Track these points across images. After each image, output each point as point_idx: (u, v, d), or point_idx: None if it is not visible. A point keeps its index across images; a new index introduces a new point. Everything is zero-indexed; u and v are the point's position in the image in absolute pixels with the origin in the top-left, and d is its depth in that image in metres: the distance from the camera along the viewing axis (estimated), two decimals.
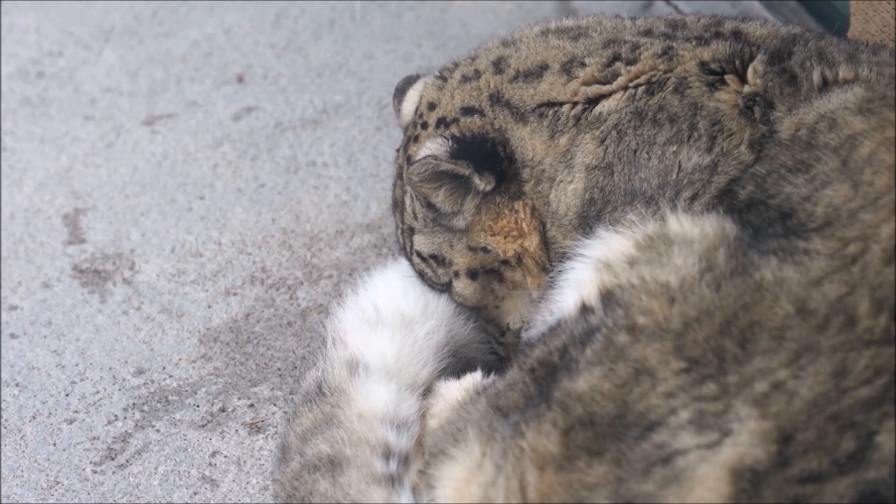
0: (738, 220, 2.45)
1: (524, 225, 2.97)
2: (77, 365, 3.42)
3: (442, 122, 3.03)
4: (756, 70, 2.73)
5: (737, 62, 2.77)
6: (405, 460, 2.75)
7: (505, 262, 3.04)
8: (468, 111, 2.99)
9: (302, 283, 3.63)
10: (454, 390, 2.89)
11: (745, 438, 2.11)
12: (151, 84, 4.54)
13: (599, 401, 2.28)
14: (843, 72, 2.67)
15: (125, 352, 3.45)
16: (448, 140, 2.93)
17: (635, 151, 2.79)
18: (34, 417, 3.26)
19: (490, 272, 3.06)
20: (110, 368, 3.40)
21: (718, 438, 2.13)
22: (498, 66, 3.02)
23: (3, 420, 3.26)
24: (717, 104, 2.73)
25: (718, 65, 2.77)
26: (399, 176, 3.19)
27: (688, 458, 2.14)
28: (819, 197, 2.41)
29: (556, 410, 2.30)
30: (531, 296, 3.08)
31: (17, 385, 3.36)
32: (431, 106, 3.09)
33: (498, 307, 3.14)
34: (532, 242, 2.97)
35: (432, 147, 2.93)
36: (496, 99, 2.98)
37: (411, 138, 3.12)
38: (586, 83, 2.89)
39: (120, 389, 3.33)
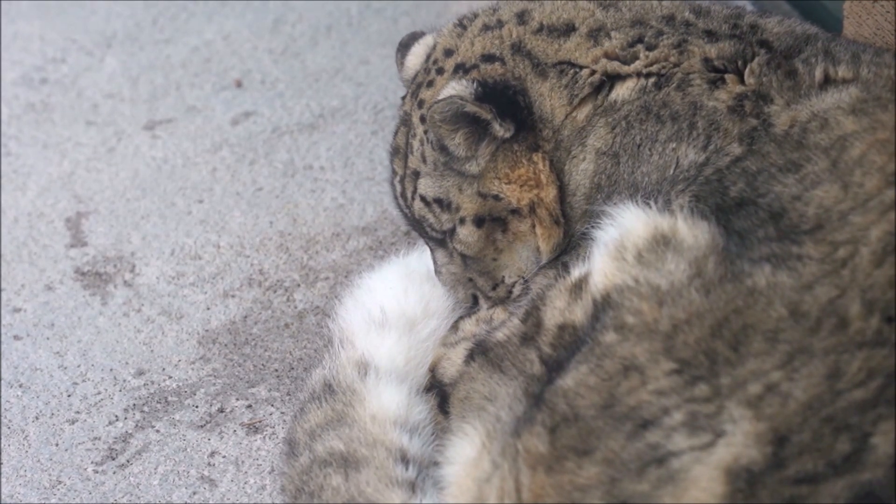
0: (726, 228, 2.43)
1: (542, 176, 2.92)
2: (79, 366, 3.41)
3: (461, 68, 2.97)
4: (752, 70, 2.73)
5: (739, 62, 2.76)
6: (426, 468, 2.70)
7: (514, 212, 2.98)
8: (489, 58, 2.95)
9: (299, 286, 3.61)
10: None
11: (740, 439, 2.09)
12: (152, 90, 4.55)
13: (584, 394, 2.25)
14: (843, 71, 2.65)
15: (126, 353, 3.44)
16: (473, 83, 2.86)
17: (639, 146, 2.79)
18: (37, 418, 3.26)
19: (496, 220, 3.00)
20: (111, 370, 3.39)
21: (712, 440, 2.11)
22: (521, 17, 2.98)
23: (7, 420, 3.26)
24: (716, 103, 2.72)
25: (722, 63, 2.77)
26: (403, 123, 3.13)
27: (682, 459, 2.12)
28: (810, 197, 2.38)
29: (544, 411, 2.28)
30: (531, 251, 3.05)
31: (20, 386, 3.36)
32: (448, 52, 3.03)
33: (496, 259, 3.07)
34: (549, 194, 2.93)
35: (458, 88, 2.87)
36: (518, 48, 2.93)
37: (423, 83, 3.06)
38: (608, 56, 2.87)
39: (120, 390, 3.32)
